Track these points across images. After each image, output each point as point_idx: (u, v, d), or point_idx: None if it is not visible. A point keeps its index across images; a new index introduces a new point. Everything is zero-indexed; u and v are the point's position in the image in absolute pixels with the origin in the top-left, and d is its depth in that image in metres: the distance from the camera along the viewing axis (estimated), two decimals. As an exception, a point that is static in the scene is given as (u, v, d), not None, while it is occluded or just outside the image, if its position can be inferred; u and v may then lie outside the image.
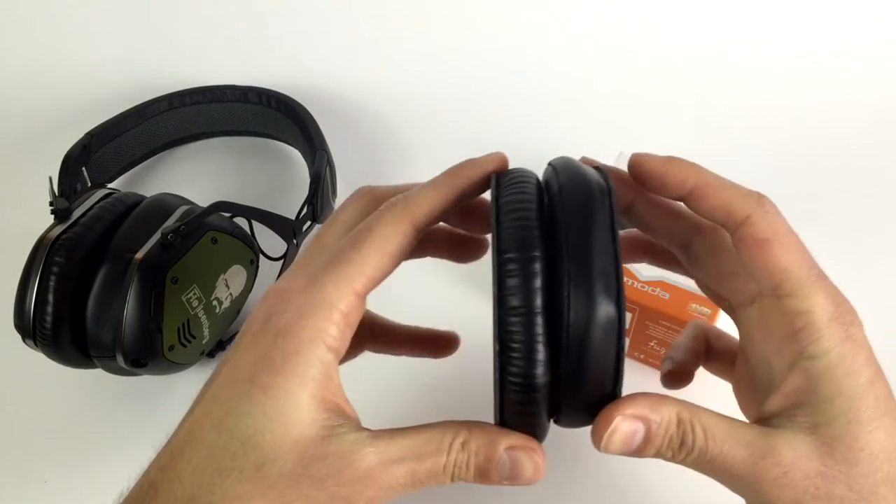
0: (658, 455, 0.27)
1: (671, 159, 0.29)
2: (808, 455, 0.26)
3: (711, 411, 0.27)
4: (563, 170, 0.28)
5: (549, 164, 0.30)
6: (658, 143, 0.61)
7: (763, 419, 0.28)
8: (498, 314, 0.26)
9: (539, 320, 0.25)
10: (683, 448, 0.27)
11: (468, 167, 0.30)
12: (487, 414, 0.28)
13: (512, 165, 0.30)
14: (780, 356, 0.28)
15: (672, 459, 0.27)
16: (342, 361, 0.33)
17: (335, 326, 0.27)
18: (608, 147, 0.52)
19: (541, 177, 0.30)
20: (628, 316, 0.44)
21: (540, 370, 0.25)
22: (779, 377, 0.28)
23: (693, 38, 0.68)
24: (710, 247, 0.31)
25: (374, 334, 0.36)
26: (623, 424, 0.26)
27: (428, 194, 0.29)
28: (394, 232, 0.28)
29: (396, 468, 0.26)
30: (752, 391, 0.32)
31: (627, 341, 0.46)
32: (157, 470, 0.26)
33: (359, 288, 0.27)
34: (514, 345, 0.25)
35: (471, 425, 0.27)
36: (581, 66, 0.68)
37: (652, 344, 0.45)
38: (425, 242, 0.33)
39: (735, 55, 0.67)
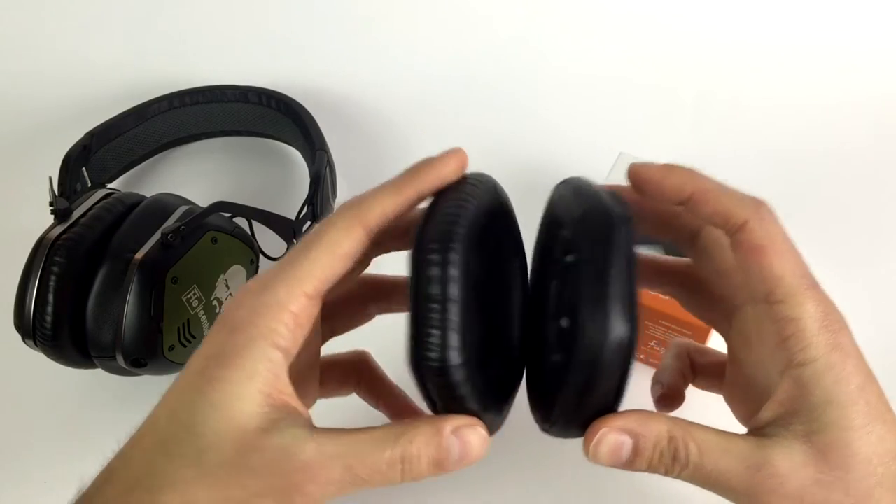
0: (651, 469, 0.28)
1: (669, 166, 0.30)
2: (803, 463, 0.26)
3: (705, 426, 0.28)
4: (582, 195, 0.28)
5: (564, 183, 0.30)
6: (658, 142, 0.61)
7: (758, 427, 0.28)
8: (412, 305, 0.26)
9: (455, 308, 0.25)
10: (677, 463, 0.27)
11: (423, 168, 0.29)
12: None
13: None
14: (773, 362, 0.28)
15: (666, 474, 0.28)
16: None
17: (284, 326, 0.27)
18: (608, 147, 0.52)
19: (551, 195, 0.30)
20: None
21: (454, 353, 0.25)
22: (773, 383, 0.28)
23: (694, 37, 0.68)
24: (716, 239, 0.31)
25: (363, 379, 0.37)
26: (609, 436, 0.27)
27: (379, 197, 0.29)
28: (344, 236, 0.28)
29: (334, 463, 0.26)
30: (747, 398, 0.32)
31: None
32: (117, 457, 0.28)
33: (309, 289, 0.28)
34: (431, 331, 0.25)
35: (412, 420, 0.27)
36: (581, 66, 0.68)
37: (652, 344, 0.45)
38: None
39: (736, 55, 0.67)
